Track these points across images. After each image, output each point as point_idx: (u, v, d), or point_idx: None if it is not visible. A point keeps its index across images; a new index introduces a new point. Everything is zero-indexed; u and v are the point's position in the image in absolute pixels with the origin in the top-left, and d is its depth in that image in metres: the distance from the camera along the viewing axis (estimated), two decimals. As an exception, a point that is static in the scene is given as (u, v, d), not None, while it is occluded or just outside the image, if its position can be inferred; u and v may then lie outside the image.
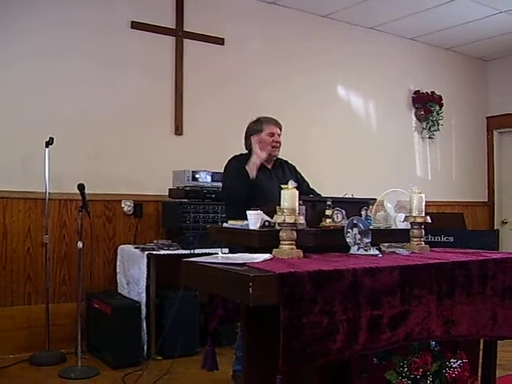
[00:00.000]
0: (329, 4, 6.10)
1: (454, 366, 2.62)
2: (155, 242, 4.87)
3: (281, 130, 3.91)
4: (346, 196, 3.16)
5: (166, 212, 5.13)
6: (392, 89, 7.09)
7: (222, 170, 3.88)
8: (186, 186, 4.89)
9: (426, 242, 3.00)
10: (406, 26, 6.72)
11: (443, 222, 4.31)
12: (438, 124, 7.32)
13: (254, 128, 3.87)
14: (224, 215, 4.27)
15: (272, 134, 3.83)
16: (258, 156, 3.65)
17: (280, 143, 3.88)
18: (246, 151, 3.89)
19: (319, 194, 3.77)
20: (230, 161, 3.86)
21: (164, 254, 4.62)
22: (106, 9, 5.11)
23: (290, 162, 4.02)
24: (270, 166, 3.87)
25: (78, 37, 4.96)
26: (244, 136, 3.93)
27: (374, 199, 3.16)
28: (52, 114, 4.81)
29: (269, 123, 3.87)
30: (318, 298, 2.11)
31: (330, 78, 6.52)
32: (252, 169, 3.62)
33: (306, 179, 3.96)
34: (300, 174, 4.00)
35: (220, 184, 4.98)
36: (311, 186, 3.90)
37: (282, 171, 3.90)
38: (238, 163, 3.75)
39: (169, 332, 4.26)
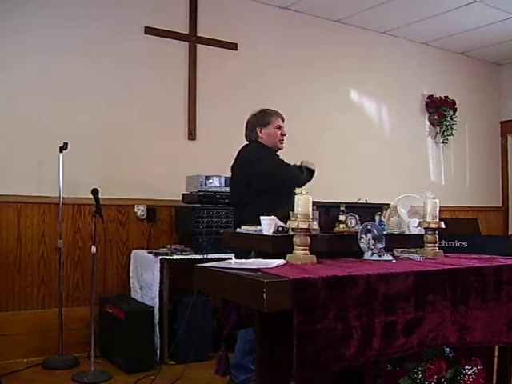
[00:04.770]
0: (342, 9, 6.10)
1: (469, 372, 2.59)
2: (168, 246, 4.86)
3: (284, 122, 3.97)
4: (360, 201, 3.15)
5: (179, 217, 5.14)
6: (405, 93, 7.07)
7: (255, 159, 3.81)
8: (199, 191, 4.90)
9: (439, 248, 2.99)
10: (419, 31, 6.70)
11: (457, 228, 4.26)
12: (452, 129, 7.28)
13: (263, 120, 3.90)
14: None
15: (279, 127, 3.90)
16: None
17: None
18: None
19: None
20: (258, 150, 3.87)
21: (177, 259, 4.62)
22: (119, 14, 5.14)
23: None
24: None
25: (92, 40, 5.00)
26: (246, 127, 3.97)
27: (388, 204, 3.15)
28: (66, 120, 4.84)
29: (277, 116, 3.93)
30: (331, 303, 2.10)
31: (342, 82, 6.51)
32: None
33: None
34: None
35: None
36: None
37: None
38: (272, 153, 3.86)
39: (182, 337, 4.26)
